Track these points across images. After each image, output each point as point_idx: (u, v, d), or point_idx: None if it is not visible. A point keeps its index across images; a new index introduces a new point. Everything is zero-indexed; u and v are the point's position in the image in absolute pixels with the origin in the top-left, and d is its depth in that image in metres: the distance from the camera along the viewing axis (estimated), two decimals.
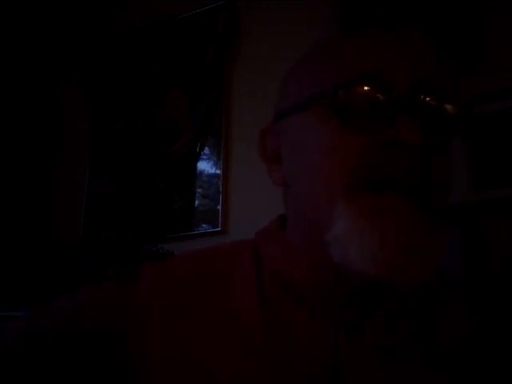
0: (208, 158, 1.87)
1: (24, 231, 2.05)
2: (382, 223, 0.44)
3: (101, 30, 2.26)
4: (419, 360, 0.52)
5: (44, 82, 2.27)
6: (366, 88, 0.49)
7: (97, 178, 2.07)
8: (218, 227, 1.76)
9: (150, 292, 0.54)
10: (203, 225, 1.80)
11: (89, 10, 2.30)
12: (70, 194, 2.12)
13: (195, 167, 1.88)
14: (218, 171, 1.83)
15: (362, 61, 0.51)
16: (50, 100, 2.27)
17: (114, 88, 2.16)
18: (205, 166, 1.87)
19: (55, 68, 2.30)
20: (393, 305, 0.52)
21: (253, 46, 1.90)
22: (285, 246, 0.57)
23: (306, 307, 0.52)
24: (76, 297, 0.57)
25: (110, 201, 2.01)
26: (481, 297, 0.61)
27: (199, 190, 1.86)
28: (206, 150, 1.88)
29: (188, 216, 1.84)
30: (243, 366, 0.49)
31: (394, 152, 0.46)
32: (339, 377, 0.49)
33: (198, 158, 1.88)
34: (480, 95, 1.40)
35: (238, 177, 1.80)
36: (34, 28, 2.25)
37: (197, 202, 1.85)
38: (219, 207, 1.78)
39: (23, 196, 2.12)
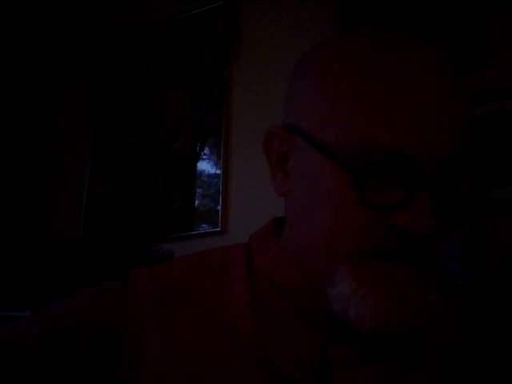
0: (208, 158, 1.87)
1: (24, 231, 2.05)
2: (383, 290, 0.47)
3: (101, 30, 2.26)
4: (409, 366, 0.52)
5: (44, 82, 2.27)
6: (390, 164, 0.46)
7: (97, 178, 2.07)
8: (217, 227, 1.76)
9: (144, 295, 0.54)
10: (203, 225, 1.80)
11: (89, 10, 2.30)
12: (70, 193, 2.12)
13: (195, 167, 1.88)
14: (218, 171, 1.83)
15: (395, 129, 0.46)
16: (50, 100, 2.27)
17: (114, 88, 2.16)
18: (205, 165, 1.87)
19: (55, 68, 2.30)
20: None
21: (253, 46, 1.90)
22: (277, 253, 0.57)
23: (296, 311, 0.53)
24: (72, 300, 0.57)
25: (110, 201, 2.01)
26: (482, 298, 0.61)
27: (199, 190, 1.86)
28: (206, 150, 1.88)
29: (188, 216, 1.84)
30: (236, 366, 0.49)
31: (406, 239, 0.46)
32: (327, 382, 0.49)
33: (197, 158, 1.88)
34: (479, 94, 1.40)
35: (238, 177, 1.80)
36: (34, 28, 2.25)
37: (197, 202, 1.85)
38: (219, 207, 1.78)
39: (23, 196, 2.12)
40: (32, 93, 2.23)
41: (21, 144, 2.16)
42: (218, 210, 1.78)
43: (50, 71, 2.29)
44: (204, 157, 1.88)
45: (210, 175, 1.85)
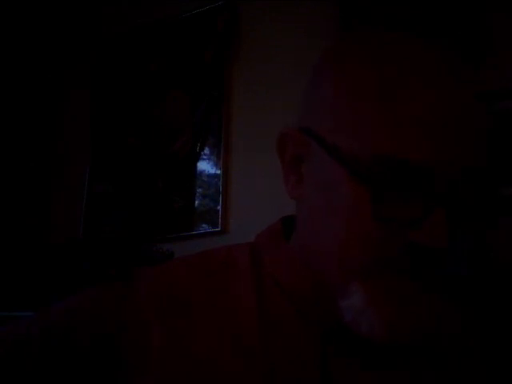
0: (208, 158, 1.87)
1: (24, 231, 2.05)
2: (393, 305, 0.48)
3: (101, 30, 2.26)
4: (409, 368, 0.52)
5: (45, 82, 2.27)
6: (406, 178, 0.46)
7: (97, 178, 2.07)
8: (217, 227, 1.76)
9: (145, 295, 0.54)
10: (203, 225, 1.80)
11: (89, 10, 2.30)
12: (70, 193, 2.12)
13: (195, 167, 1.88)
14: (218, 171, 1.83)
15: (415, 144, 0.45)
16: (50, 100, 2.27)
17: (114, 88, 2.15)
18: (205, 166, 1.87)
19: (55, 68, 2.30)
20: None
21: (253, 46, 1.90)
22: (284, 253, 0.57)
23: (299, 311, 0.53)
24: (72, 300, 0.57)
25: (110, 201, 2.01)
26: (482, 298, 0.61)
27: (199, 190, 1.86)
28: (206, 150, 1.88)
29: (188, 216, 1.84)
30: (237, 365, 0.49)
31: (418, 252, 0.47)
32: (327, 383, 0.49)
33: (197, 158, 1.88)
34: (479, 94, 1.40)
35: (238, 177, 1.80)
36: (34, 28, 2.25)
37: (197, 202, 1.85)
38: (219, 207, 1.78)
39: (23, 196, 2.12)
40: (32, 93, 2.23)
41: (21, 144, 2.16)
42: (218, 210, 1.78)
43: (51, 71, 2.29)
44: (204, 157, 1.88)
45: (209, 175, 1.85)
